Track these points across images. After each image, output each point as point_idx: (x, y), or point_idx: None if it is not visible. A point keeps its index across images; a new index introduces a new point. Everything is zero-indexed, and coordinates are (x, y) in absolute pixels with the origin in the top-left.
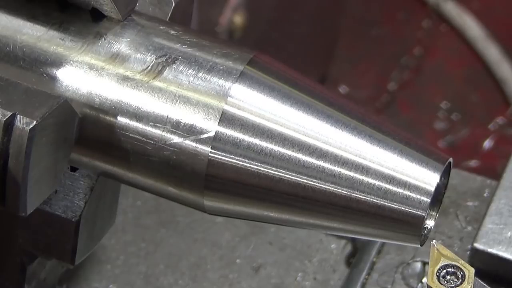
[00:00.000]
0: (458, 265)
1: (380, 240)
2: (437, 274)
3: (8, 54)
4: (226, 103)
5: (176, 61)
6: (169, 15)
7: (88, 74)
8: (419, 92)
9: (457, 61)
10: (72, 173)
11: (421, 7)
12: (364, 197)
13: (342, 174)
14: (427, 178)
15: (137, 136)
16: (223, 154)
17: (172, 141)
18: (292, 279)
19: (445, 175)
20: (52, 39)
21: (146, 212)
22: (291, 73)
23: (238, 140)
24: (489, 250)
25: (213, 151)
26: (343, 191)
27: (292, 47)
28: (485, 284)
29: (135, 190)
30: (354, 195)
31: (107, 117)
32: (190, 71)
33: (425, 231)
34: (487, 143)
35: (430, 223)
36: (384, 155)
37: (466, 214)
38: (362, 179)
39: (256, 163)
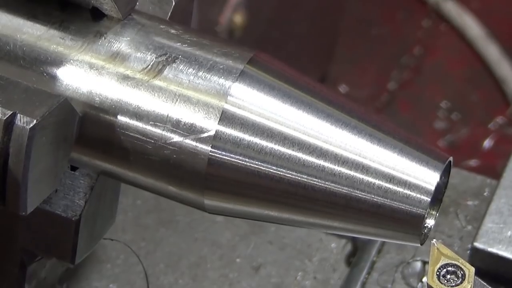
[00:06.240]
0: (458, 264)
1: (380, 239)
2: (437, 273)
3: (8, 53)
4: (226, 102)
5: (176, 60)
6: (169, 14)
7: (88, 73)
8: (419, 92)
9: (457, 61)
10: (72, 172)
11: (421, 7)
12: (364, 196)
13: (342, 173)
14: (427, 177)
15: (137, 135)
16: (223, 153)
17: (172, 140)
18: (292, 279)
19: (445, 174)
20: (52, 38)
21: (146, 211)
22: (291, 72)
23: (238, 139)
24: (489, 249)
25: (213, 150)
26: (343, 190)
27: (292, 47)
28: (485, 283)
29: (135, 189)
30: (354, 194)
31: (107, 116)
32: (190, 70)
33: (425, 230)
34: (487, 143)
35: (430, 222)
36: (384, 154)
37: (466, 213)
38: (362, 178)
39: (256, 162)
